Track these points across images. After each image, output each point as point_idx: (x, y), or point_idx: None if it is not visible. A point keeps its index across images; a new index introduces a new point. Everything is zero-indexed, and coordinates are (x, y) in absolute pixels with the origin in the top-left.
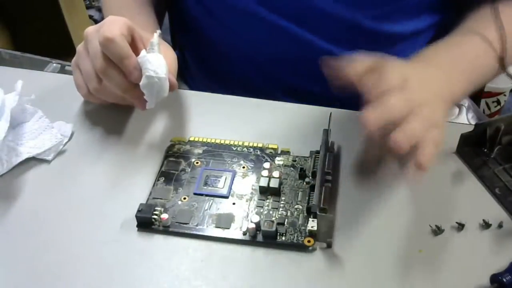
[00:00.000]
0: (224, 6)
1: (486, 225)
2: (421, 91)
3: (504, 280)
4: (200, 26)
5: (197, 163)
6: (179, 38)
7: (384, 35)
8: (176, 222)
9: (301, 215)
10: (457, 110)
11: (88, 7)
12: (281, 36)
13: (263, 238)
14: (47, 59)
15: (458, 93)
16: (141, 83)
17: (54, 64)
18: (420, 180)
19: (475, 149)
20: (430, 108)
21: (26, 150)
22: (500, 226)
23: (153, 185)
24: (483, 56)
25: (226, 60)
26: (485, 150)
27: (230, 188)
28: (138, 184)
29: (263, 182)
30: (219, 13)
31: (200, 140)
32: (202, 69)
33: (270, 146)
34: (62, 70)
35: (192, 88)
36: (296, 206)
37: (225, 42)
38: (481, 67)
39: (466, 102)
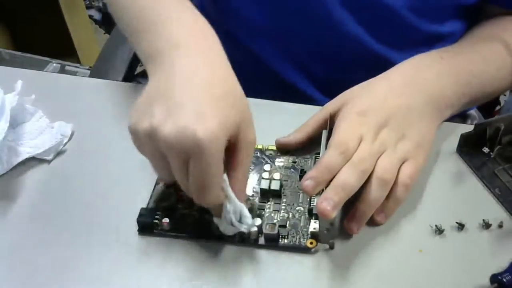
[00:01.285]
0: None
1: (486, 225)
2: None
3: (504, 280)
4: (229, 25)
5: None
6: None
7: (426, 33)
8: (178, 226)
9: (302, 217)
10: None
11: (88, 7)
12: (324, 27)
13: (265, 241)
14: (47, 59)
15: (451, 98)
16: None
17: (54, 64)
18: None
19: (475, 149)
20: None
21: (26, 150)
22: (500, 226)
23: (154, 189)
24: (483, 63)
25: (259, 57)
26: (485, 150)
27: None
28: (139, 188)
29: (264, 184)
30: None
31: None
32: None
33: (270, 147)
34: (62, 70)
35: None
36: (297, 208)
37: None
38: (481, 73)
39: (471, 113)
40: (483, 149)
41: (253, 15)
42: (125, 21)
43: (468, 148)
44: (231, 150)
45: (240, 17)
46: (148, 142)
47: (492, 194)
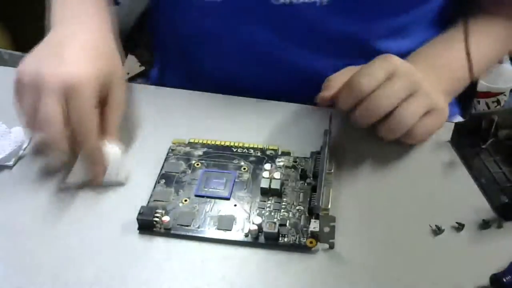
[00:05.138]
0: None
1: (486, 225)
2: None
3: (504, 280)
4: (189, 46)
5: (197, 165)
6: (161, 56)
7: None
8: (178, 225)
9: (303, 216)
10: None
11: None
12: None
13: (265, 239)
14: None
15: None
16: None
17: None
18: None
19: (469, 140)
20: (425, 89)
21: None
22: (500, 226)
23: (154, 188)
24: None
25: (216, 81)
26: (479, 141)
27: (231, 189)
28: (139, 187)
29: (265, 184)
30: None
31: (200, 141)
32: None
33: (270, 147)
34: None
35: None
36: (297, 207)
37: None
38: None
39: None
40: (477, 140)
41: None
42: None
43: (463, 138)
44: (103, 107)
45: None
46: (31, 87)
47: (478, 184)
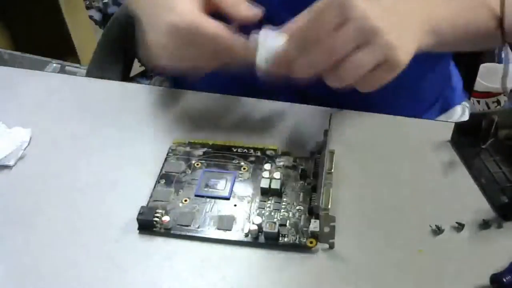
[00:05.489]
0: None
1: (486, 225)
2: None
3: (504, 280)
4: None
5: (197, 165)
6: None
7: None
8: (178, 225)
9: (303, 216)
10: (459, 110)
11: (88, 7)
12: None
13: (265, 239)
14: (47, 59)
15: (437, 19)
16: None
17: (54, 64)
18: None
19: (469, 139)
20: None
21: None
22: (500, 226)
23: (154, 188)
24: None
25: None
26: (479, 141)
27: (231, 189)
28: (139, 187)
29: (264, 184)
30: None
31: (200, 141)
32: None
33: (270, 147)
34: (62, 70)
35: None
36: (297, 207)
37: None
38: (474, 13)
39: (468, 105)
40: (477, 140)
41: None
42: None
43: (463, 138)
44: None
45: None
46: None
47: (478, 184)
